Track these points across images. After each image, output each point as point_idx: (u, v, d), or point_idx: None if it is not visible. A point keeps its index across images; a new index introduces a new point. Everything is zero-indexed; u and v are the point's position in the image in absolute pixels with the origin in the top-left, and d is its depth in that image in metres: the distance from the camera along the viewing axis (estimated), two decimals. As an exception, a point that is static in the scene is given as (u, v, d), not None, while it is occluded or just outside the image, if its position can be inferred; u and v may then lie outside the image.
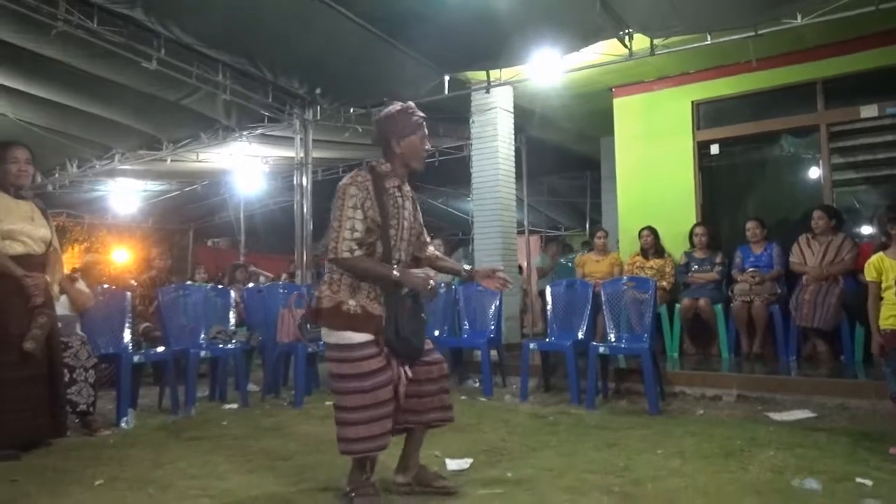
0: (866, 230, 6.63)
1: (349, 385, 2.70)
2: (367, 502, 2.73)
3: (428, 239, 3.16)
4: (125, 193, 12.03)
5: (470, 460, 3.40)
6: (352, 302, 2.73)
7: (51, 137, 7.98)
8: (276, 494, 2.96)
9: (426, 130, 2.89)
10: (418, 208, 3.03)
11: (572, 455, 3.55)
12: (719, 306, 6.14)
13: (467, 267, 3.13)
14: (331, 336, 2.74)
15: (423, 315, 2.85)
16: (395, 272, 2.73)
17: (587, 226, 13.44)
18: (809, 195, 6.69)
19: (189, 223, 15.89)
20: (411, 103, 2.91)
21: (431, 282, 2.77)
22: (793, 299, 5.67)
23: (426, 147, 2.89)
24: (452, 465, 3.35)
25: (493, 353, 5.94)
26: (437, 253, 3.20)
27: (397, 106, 2.86)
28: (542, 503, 2.76)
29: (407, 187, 2.94)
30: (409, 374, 2.80)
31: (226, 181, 11.58)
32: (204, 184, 11.84)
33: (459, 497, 2.83)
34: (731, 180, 7.23)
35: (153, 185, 11.88)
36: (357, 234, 2.69)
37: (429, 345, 2.91)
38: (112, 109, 7.33)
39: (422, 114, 2.89)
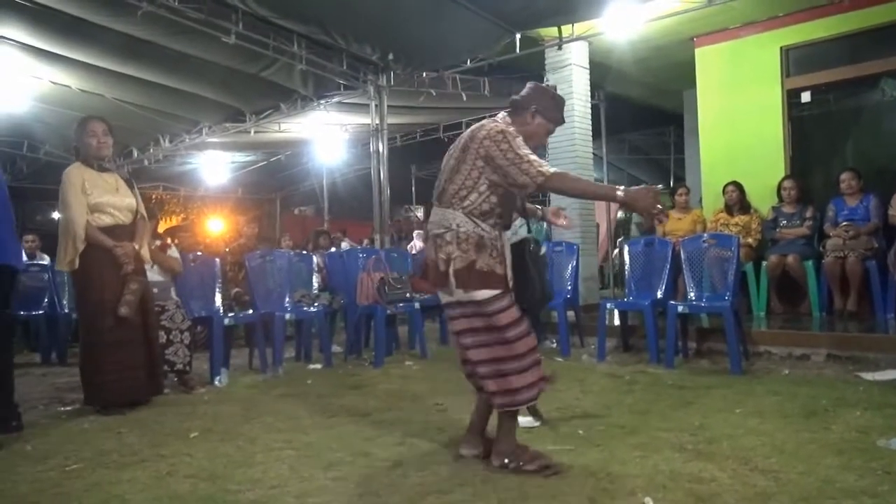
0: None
1: (514, 332, 2.64)
2: (546, 464, 2.66)
3: None
4: (215, 165, 12.56)
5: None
6: (481, 261, 2.66)
7: (144, 114, 8.44)
8: (355, 448, 3.10)
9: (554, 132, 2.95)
10: None
11: (646, 413, 3.53)
12: (810, 263, 5.86)
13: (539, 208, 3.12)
14: (461, 295, 2.65)
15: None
16: (619, 191, 2.56)
17: (671, 183, 13.03)
18: (913, 142, 6.24)
19: (276, 192, 16.47)
20: (564, 99, 3.00)
21: (655, 197, 2.55)
22: (891, 254, 5.33)
23: (542, 142, 2.94)
24: (524, 421, 3.38)
25: (571, 313, 5.92)
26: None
27: (556, 92, 2.97)
28: (612, 459, 2.77)
29: None
30: None
31: (308, 150, 11.90)
32: (287, 154, 12.22)
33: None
34: (824, 130, 6.81)
35: (240, 157, 12.35)
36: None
37: None
38: (198, 84, 7.65)
39: (565, 119, 2.98)
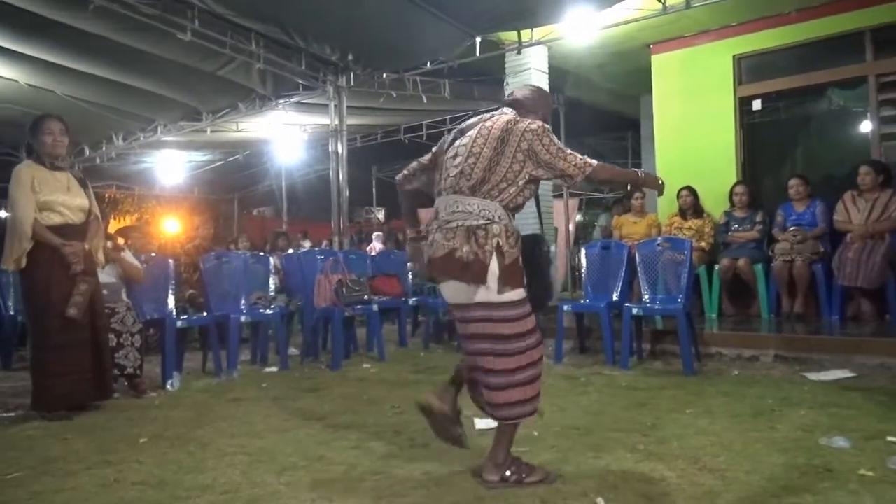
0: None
1: (521, 344, 2.54)
2: (541, 475, 2.60)
3: None
4: (171, 164, 12.32)
5: (498, 419, 3.46)
6: (520, 259, 2.60)
7: (96, 112, 8.22)
8: (309, 452, 3.07)
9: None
10: None
11: (600, 414, 3.57)
12: (759, 266, 6.01)
13: None
14: (496, 296, 2.52)
15: None
16: (640, 173, 2.79)
17: (629, 187, 13.21)
18: (856, 150, 6.44)
19: (233, 192, 16.24)
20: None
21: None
22: (836, 258, 5.52)
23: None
24: (480, 424, 3.40)
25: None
26: None
27: (548, 95, 3.07)
28: (565, 460, 2.80)
29: None
30: None
31: (266, 150, 11.76)
32: (245, 153, 12.06)
33: (483, 456, 2.89)
34: (773, 137, 7.01)
35: (197, 156, 12.14)
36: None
37: None
38: (153, 82, 7.49)
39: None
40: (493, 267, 2.51)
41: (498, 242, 2.53)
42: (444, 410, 2.67)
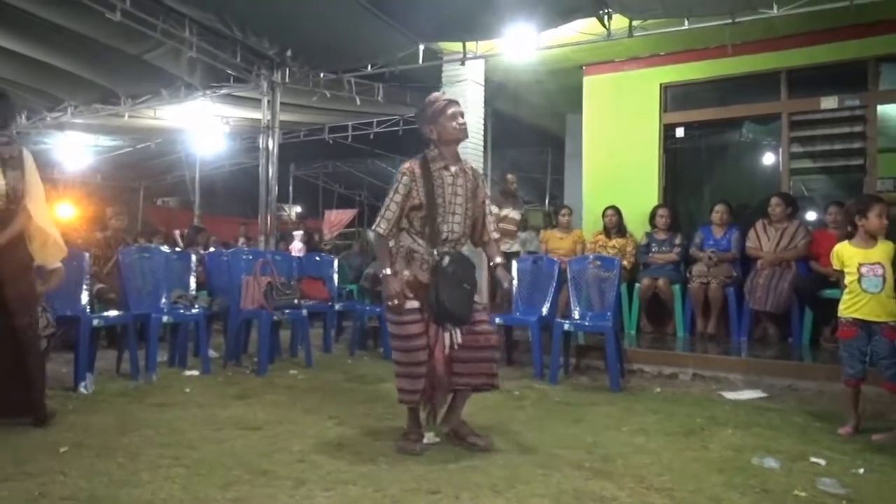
0: (811, 216, 6.87)
1: (395, 344, 3.24)
2: (404, 446, 3.21)
3: (493, 235, 3.47)
4: (74, 148, 11.56)
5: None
6: (406, 272, 3.19)
7: (-1, 85, 7.60)
8: (251, 465, 2.94)
9: (454, 108, 3.24)
10: (481, 185, 3.42)
11: (540, 431, 3.62)
12: (677, 287, 6.30)
13: (498, 260, 3.45)
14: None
15: (466, 286, 3.21)
16: (387, 270, 3.19)
17: (546, 201, 13.57)
18: (767, 181, 6.89)
19: (140, 181, 15.42)
20: (435, 94, 3.35)
21: (395, 301, 3.14)
22: (747, 283, 5.86)
23: (457, 123, 3.22)
24: (427, 438, 3.38)
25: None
26: (494, 237, 3.50)
27: (424, 102, 3.33)
28: (517, 478, 2.82)
29: (458, 167, 3.31)
30: (459, 340, 3.22)
31: (182, 140, 11.25)
32: (158, 141, 11.49)
33: (436, 471, 2.88)
34: (692, 164, 7.38)
35: (105, 141, 11.46)
36: (389, 214, 3.19)
37: (481, 316, 3.31)
38: (68, 60, 7.00)
39: (446, 98, 3.31)
40: None
41: None
42: (447, 430, 3.37)
